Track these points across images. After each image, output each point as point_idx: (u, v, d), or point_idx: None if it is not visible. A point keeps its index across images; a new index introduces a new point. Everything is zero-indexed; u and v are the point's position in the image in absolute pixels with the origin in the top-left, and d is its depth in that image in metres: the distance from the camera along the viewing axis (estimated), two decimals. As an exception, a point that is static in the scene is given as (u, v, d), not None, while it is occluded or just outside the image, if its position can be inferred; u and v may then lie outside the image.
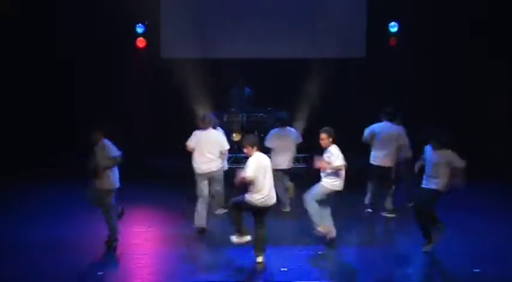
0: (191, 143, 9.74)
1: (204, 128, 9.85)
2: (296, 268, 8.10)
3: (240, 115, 15.36)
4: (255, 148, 8.29)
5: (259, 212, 8.36)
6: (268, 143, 10.95)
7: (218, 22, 16.41)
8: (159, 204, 11.58)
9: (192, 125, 14.70)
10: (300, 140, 11.17)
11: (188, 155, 9.79)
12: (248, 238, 8.37)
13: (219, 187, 10.21)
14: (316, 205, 8.88)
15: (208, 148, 9.73)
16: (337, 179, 8.81)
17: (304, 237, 9.37)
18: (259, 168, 8.17)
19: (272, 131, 11.14)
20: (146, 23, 16.53)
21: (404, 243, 9.32)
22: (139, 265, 8.32)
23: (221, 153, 9.89)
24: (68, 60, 16.16)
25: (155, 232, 9.88)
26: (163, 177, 14.14)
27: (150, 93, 16.44)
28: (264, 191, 8.20)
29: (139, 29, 16.51)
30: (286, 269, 8.07)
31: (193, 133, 9.84)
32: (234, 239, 8.41)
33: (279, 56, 16.30)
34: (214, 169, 9.81)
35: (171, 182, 13.50)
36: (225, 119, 15.54)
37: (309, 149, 13.99)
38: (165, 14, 16.78)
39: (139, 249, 8.91)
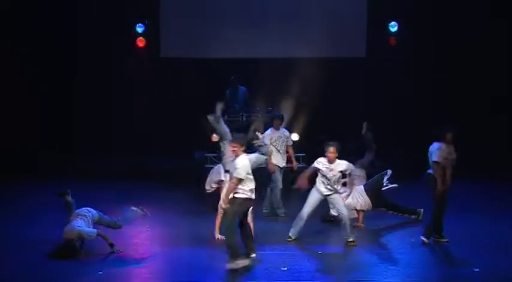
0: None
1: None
2: (296, 268, 8.11)
3: (240, 115, 15.34)
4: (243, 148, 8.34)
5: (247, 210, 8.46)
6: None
7: (218, 22, 16.41)
8: (159, 204, 11.58)
9: (193, 124, 14.72)
10: (291, 142, 11.31)
11: (188, 155, 9.81)
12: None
13: None
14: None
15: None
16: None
17: (304, 237, 9.37)
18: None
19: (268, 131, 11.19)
20: (146, 22, 16.53)
21: (404, 243, 9.31)
22: (140, 265, 8.32)
23: None
24: (68, 60, 16.18)
25: (155, 232, 9.88)
26: (164, 177, 14.14)
27: (150, 92, 16.45)
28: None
29: (139, 29, 16.52)
30: (286, 269, 8.07)
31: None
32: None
33: (279, 56, 16.31)
34: None
35: (171, 182, 13.51)
36: (225, 119, 15.54)
37: (308, 149, 14.10)
38: (165, 14, 16.79)
39: (140, 249, 8.90)
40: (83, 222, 8.65)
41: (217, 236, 9.28)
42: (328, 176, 9.06)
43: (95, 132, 16.30)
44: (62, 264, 8.24)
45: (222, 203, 8.62)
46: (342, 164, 9.11)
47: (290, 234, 9.31)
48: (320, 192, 9.17)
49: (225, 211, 8.55)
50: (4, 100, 15.35)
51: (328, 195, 9.18)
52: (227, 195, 8.19)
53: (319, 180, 9.17)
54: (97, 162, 15.26)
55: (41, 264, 8.23)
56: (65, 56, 16.11)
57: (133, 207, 9.25)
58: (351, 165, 9.26)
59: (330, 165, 9.06)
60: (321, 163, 9.10)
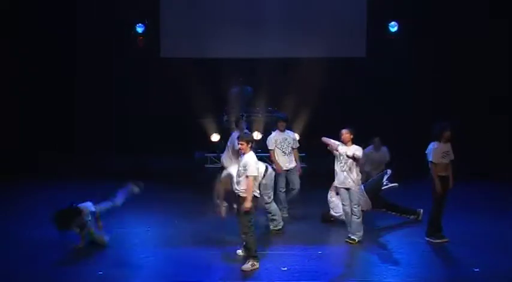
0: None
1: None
2: (296, 268, 8.11)
3: (240, 114, 15.34)
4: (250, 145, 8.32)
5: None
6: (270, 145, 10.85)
7: (218, 22, 16.42)
8: (159, 204, 11.58)
9: (193, 124, 14.62)
10: (297, 144, 10.96)
11: (187, 154, 9.80)
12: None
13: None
14: None
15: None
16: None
17: (304, 237, 9.38)
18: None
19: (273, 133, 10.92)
20: (146, 22, 16.53)
21: (404, 243, 9.31)
22: (140, 265, 8.32)
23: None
24: (68, 60, 16.18)
25: (155, 232, 9.89)
26: (164, 177, 14.13)
27: (150, 92, 16.45)
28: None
29: (139, 29, 16.52)
30: (286, 269, 8.07)
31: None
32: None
33: (279, 56, 16.31)
34: None
35: (171, 182, 13.51)
36: (225, 119, 15.57)
37: (309, 149, 14.11)
38: (164, 14, 16.79)
39: (139, 249, 8.91)
40: (92, 203, 9.02)
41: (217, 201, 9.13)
42: (346, 155, 9.03)
43: (95, 132, 16.29)
44: (62, 264, 8.26)
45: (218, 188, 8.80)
46: (354, 147, 9.12)
47: (353, 237, 9.16)
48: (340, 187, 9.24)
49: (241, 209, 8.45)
50: (4, 100, 15.35)
51: (346, 188, 9.18)
52: (250, 194, 8.08)
53: (337, 170, 9.17)
54: (97, 162, 15.26)
55: (41, 264, 8.24)
56: (65, 56, 16.11)
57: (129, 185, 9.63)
58: (360, 149, 9.15)
59: (346, 147, 9.08)
60: (340, 145, 9.14)
